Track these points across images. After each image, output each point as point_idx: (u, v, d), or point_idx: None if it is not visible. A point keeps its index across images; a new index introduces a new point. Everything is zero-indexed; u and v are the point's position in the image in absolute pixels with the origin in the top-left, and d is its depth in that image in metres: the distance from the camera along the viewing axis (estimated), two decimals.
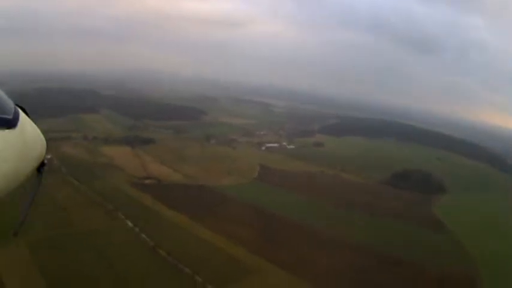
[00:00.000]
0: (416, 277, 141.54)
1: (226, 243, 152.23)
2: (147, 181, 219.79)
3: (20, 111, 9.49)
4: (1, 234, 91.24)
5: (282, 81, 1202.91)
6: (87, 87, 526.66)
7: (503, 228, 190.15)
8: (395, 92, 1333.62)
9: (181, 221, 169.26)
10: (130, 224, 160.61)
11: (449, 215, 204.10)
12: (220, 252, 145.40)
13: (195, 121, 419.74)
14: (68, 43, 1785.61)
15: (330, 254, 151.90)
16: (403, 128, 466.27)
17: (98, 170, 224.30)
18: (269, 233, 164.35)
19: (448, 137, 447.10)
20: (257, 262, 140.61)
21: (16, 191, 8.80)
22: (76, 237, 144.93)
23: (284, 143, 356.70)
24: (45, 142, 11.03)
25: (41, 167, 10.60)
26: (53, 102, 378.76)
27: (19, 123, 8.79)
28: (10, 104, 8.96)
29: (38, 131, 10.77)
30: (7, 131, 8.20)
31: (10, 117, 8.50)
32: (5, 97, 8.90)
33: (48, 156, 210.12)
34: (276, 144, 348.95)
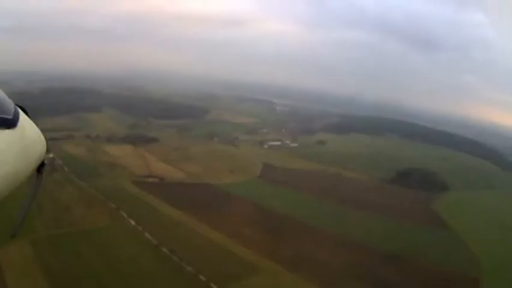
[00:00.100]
0: (419, 274, 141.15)
1: (229, 241, 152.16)
2: (150, 180, 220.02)
3: (20, 111, 9.36)
4: (1, 235, 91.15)
5: (285, 79, 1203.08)
6: (90, 86, 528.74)
7: (506, 226, 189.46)
8: (398, 90, 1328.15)
9: (185, 219, 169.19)
10: (133, 222, 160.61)
11: (453, 213, 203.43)
12: (223, 251, 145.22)
13: (198, 119, 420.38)
14: (70, 42, 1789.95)
15: (333, 252, 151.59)
16: (406, 126, 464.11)
17: (101, 169, 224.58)
18: (272, 231, 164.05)
19: (451, 135, 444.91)
20: (260, 260, 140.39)
21: (16, 191, 8.58)
22: (79, 236, 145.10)
23: (287, 141, 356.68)
24: (45, 142, 10.77)
25: (41, 167, 10.39)
26: (56, 101, 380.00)
27: (19, 123, 8.66)
28: (10, 104, 8.80)
29: (38, 131, 10.57)
30: (7, 131, 8.09)
31: (10, 117, 8.35)
32: (5, 97, 8.73)
33: (51, 155, 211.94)
34: (278, 143, 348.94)
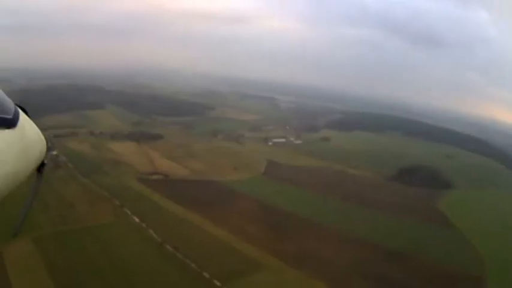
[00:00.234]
0: (423, 272, 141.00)
1: (233, 238, 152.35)
2: (154, 177, 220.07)
3: (20, 111, 9.31)
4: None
5: (288, 76, 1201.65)
6: (93, 83, 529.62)
7: (510, 224, 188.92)
8: (401, 87, 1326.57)
9: (189, 216, 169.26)
10: (137, 219, 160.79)
11: (456, 211, 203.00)
12: (227, 248, 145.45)
13: (202, 116, 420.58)
14: (72, 39, 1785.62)
15: (337, 249, 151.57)
16: (409, 123, 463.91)
17: (105, 166, 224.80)
18: (276, 228, 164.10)
19: (455, 132, 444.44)
20: (264, 257, 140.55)
21: (16, 191, 8.52)
22: (83, 233, 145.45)
23: (291, 138, 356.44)
24: (45, 142, 10.80)
25: (41, 167, 10.45)
26: (59, 99, 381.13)
27: (19, 123, 8.62)
28: (10, 104, 8.75)
29: (38, 131, 10.58)
30: (7, 131, 8.03)
31: (10, 117, 8.31)
32: (5, 97, 8.64)
33: (55, 152, 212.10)
34: (282, 140, 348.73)
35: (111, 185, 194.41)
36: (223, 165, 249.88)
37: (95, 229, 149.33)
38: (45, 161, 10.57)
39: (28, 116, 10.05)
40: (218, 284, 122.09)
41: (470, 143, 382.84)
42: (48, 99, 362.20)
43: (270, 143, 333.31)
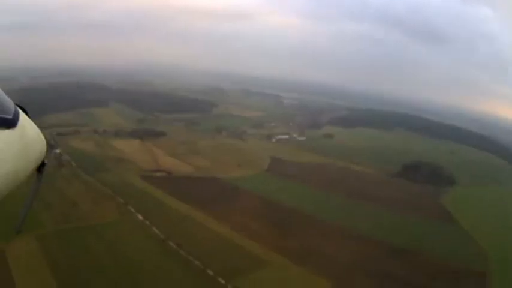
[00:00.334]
0: (427, 268, 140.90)
1: (237, 235, 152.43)
2: (157, 174, 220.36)
3: (20, 111, 9.31)
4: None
5: (291, 73, 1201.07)
6: (96, 81, 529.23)
7: None
8: (404, 83, 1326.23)
9: (192, 213, 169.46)
10: (141, 217, 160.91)
11: (460, 207, 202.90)
12: (231, 245, 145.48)
13: (206, 113, 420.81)
14: (75, 37, 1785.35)
15: (340, 245, 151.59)
16: (412, 119, 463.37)
17: (109, 164, 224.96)
18: (280, 225, 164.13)
19: (458, 129, 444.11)
20: (268, 254, 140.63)
21: (16, 191, 8.51)
22: (86, 231, 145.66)
23: (294, 135, 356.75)
24: (45, 142, 10.67)
25: (41, 166, 10.33)
26: (61, 97, 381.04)
27: (19, 123, 8.64)
28: (10, 104, 8.76)
29: (38, 131, 10.47)
30: (7, 131, 8.06)
31: (10, 117, 8.33)
32: (5, 97, 8.66)
33: (58, 151, 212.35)
34: (286, 136, 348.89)
35: (115, 183, 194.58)
36: (227, 162, 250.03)
37: (98, 227, 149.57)
38: (46, 161, 10.48)
39: (28, 116, 10.00)
40: (222, 281, 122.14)
41: (473, 139, 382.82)
42: (51, 98, 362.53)
43: (274, 140, 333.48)
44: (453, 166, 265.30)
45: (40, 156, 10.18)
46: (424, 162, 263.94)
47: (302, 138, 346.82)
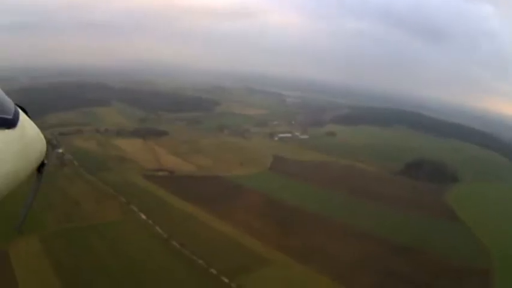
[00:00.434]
0: (430, 266, 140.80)
1: (240, 234, 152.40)
2: (160, 173, 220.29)
3: (20, 111, 9.23)
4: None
5: (293, 71, 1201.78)
6: (98, 80, 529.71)
7: None
8: (406, 81, 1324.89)
9: (195, 212, 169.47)
10: (143, 216, 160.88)
11: (463, 204, 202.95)
12: (234, 243, 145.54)
13: (208, 112, 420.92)
14: (76, 37, 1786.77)
15: (343, 243, 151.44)
16: (414, 117, 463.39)
17: (111, 163, 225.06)
18: (283, 223, 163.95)
19: (460, 126, 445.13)
20: (271, 253, 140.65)
21: (16, 191, 8.40)
22: (89, 230, 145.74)
23: (297, 133, 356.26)
24: (45, 142, 10.56)
25: (41, 167, 10.23)
26: (63, 97, 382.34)
27: (19, 123, 8.59)
28: (10, 104, 8.69)
29: (38, 130, 10.38)
30: (7, 131, 8.00)
31: (10, 117, 8.28)
32: (5, 97, 8.58)
33: (60, 150, 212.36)
34: (288, 134, 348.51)
35: (117, 182, 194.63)
36: (229, 160, 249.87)
37: (101, 227, 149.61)
38: (46, 161, 10.37)
39: (28, 116, 9.88)
40: (226, 280, 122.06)
41: (475, 136, 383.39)
42: (52, 98, 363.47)
43: (276, 138, 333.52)
44: (456, 164, 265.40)
45: (40, 156, 10.07)
46: (426, 159, 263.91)
47: (305, 137, 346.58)
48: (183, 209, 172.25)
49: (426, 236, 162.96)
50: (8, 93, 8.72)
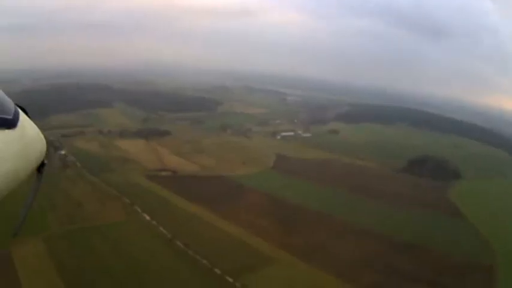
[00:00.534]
0: (434, 263, 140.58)
1: (244, 233, 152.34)
2: (163, 173, 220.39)
3: (20, 111, 9.36)
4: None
5: (295, 70, 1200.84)
6: (99, 81, 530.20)
7: None
8: (407, 78, 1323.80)
9: (199, 212, 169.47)
10: (147, 217, 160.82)
11: (466, 200, 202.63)
12: (237, 243, 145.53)
13: (210, 112, 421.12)
14: (77, 38, 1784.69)
15: (347, 241, 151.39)
16: (417, 114, 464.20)
17: (114, 164, 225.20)
18: (286, 222, 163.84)
19: (462, 122, 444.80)
20: (275, 252, 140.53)
21: (16, 191, 8.53)
22: (92, 231, 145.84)
23: (299, 132, 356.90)
24: (45, 142, 10.79)
25: (41, 167, 10.37)
26: (65, 98, 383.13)
27: (19, 123, 8.73)
28: (10, 104, 8.84)
29: (38, 131, 10.55)
30: (7, 131, 8.17)
31: (10, 117, 8.42)
32: (5, 97, 8.72)
33: (63, 152, 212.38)
34: (291, 133, 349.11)
35: (120, 183, 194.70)
36: (232, 160, 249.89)
37: (105, 228, 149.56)
38: (46, 161, 10.48)
39: (28, 116, 10.01)
40: (230, 279, 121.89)
41: (477, 132, 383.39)
42: (54, 99, 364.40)
43: (279, 137, 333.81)
44: (458, 160, 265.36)
45: (40, 156, 10.17)
46: (429, 156, 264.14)
47: (307, 135, 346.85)
48: (186, 209, 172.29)
49: (430, 233, 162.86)
50: (8, 94, 8.80)
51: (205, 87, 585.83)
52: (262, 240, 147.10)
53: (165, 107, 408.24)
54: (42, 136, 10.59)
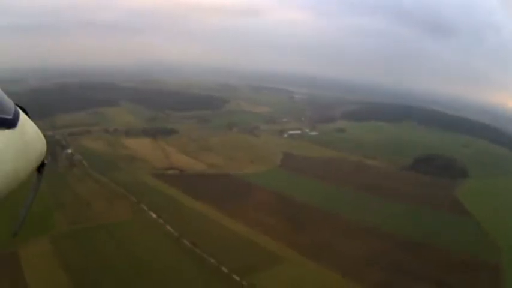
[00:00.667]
0: (440, 261, 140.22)
1: (251, 231, 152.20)
2: (170, 172, 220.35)
3: (20, 111, 9.30)
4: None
5: (301, 68, 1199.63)
6: (105, 80, 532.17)
7: None
8: (415, 77, 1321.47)
9: (206, 210, 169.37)
10: (154, 215, 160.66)
11: (473, 199, 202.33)
12: (245, 241, 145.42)
13: (217, 110, 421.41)
14: (83, 37, 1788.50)
15: (354, 240, 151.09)
16: (423, 112, 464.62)
17: (121, 163, 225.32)
18: (294, 221, 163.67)
19: (469, 120, 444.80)
20: (283, 250, 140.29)
21: (16, 191, 8.43)
22: (99, 230, 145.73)
23: (306, 130, 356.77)
24: (45, 142, 10.68)
25: (41, 167, 10.31)
26: (73, 97, 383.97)
27: (19, 123, 8.67)
28: (10, 104, 8.78)
29: (38, 131, 10.49)
30: (7, 131, 8.11)
31: (10, 117, 8.37)
32: (5, 97, 8.65)
33: (69, 151, 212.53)
34: (298, 131, 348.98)
35: (127, 182, 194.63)
36: (240, 158, 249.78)
37: (112, 227, 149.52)
38: (46, 161, 10.45)
39: (28, 116, 9.97)
40: (237, 278, 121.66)
41: (484, 131, 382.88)
42: (61, 98, 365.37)
43: (286, 135, 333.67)
44: (465, 158, 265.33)
45: (40, 156, 10.13)
46: (436, 154, 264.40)
47: (314, 133, 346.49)
48: (193, 208, 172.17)
49: (436, 232, 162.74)
50: (9, 94, 8.73)
51: (214, 86, 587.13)
52: (270, 239, 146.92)
53: (172, 106, 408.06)
54: (42, 136, 10.49)
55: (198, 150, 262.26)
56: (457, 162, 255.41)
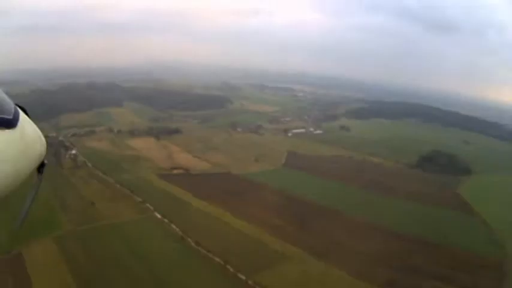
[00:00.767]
0: (445, 259, 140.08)
1: (256, 230, 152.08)
2: (174, 171, 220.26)
3: (20, 111, 9.16)
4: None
5: (306, 67, 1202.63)
6: (109, 80, 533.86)
7: None
8: (418, 75, 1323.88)
9: (211, 210, 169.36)
10: (159, 215, 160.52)
11: (477, 196, 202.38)
12: (250, 240, 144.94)
13: (221, 109, 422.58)
14: (87, 38, 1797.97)
15: (360, 238, 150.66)
16: (427, 110, 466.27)
17: (125, 163, 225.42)
18: (300, 219, 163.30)
19: (472, 118, 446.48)
20: (288, 249, 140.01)
21: (16, 191, 8.31)
22: (105, 230, 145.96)
23: (311, 129, 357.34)
24: (45, 142, 10.48)
25: (41, 167, 10.17)
26: (76, 98, 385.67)
27: (19, 123, 8.55)
28: (10, 104, 8.62)
29: (38, 131, 10.28)
30: (7, 131, 8.03)
31: (10, 117, 8.25)
32: (5, 97, 8.52)
33: (74, 152, 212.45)
34: (302, 130, 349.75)
35: (132, 182, 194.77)
36: (244, 157, 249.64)
37: (117, 226, 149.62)
38: (46, 161, 10.29)
39: (28, 116, 9.83)
40: (242, 277, 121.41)
41: (487, 128, 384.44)
42: (65, 99, 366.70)
43: (290, 134, 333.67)
44: (468, 155, 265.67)
45: (40, 156, 9.98)
46: (439, 152, 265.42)
47: (319, 132, 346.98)
48: (198, 207, 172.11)
49: (442, 229, 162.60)
50: (8, 94, 8.64)
51: (218, 86, 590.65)
52: (275, 238, 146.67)
53: (175, 106, 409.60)
54: (42, 136, 10.30)
55: (202, 150, 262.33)
56: (461, 160, 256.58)
